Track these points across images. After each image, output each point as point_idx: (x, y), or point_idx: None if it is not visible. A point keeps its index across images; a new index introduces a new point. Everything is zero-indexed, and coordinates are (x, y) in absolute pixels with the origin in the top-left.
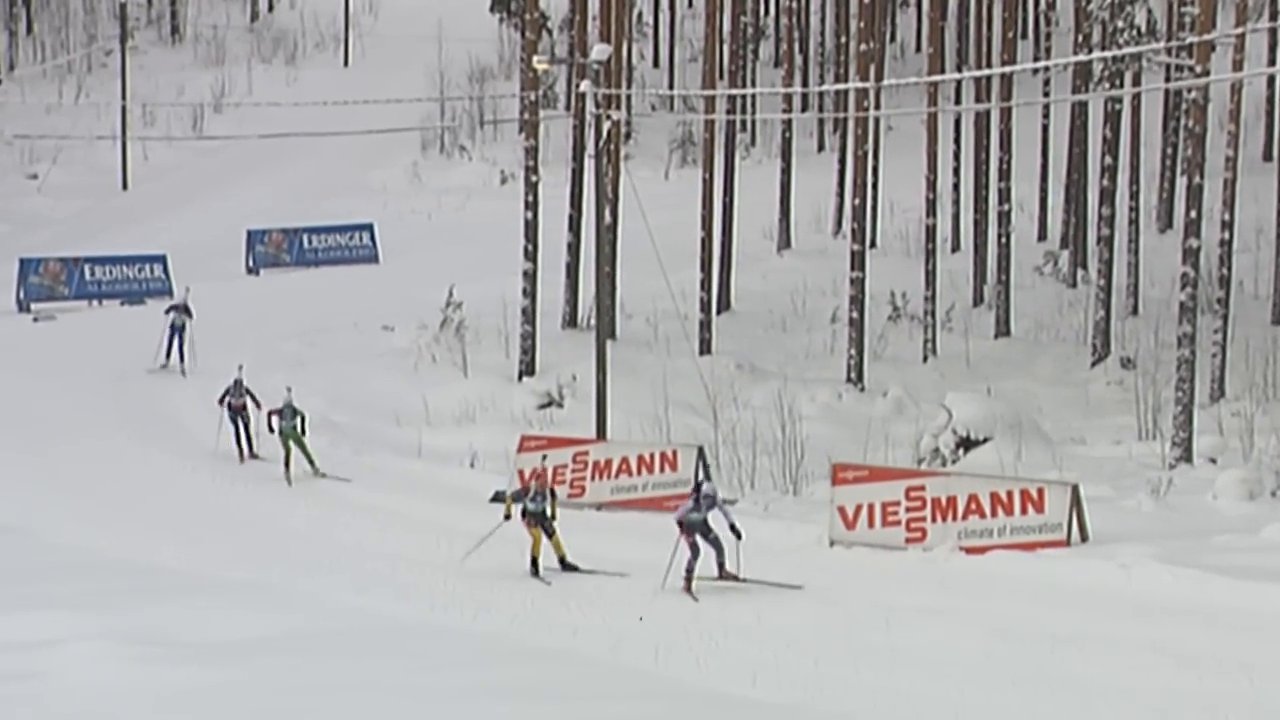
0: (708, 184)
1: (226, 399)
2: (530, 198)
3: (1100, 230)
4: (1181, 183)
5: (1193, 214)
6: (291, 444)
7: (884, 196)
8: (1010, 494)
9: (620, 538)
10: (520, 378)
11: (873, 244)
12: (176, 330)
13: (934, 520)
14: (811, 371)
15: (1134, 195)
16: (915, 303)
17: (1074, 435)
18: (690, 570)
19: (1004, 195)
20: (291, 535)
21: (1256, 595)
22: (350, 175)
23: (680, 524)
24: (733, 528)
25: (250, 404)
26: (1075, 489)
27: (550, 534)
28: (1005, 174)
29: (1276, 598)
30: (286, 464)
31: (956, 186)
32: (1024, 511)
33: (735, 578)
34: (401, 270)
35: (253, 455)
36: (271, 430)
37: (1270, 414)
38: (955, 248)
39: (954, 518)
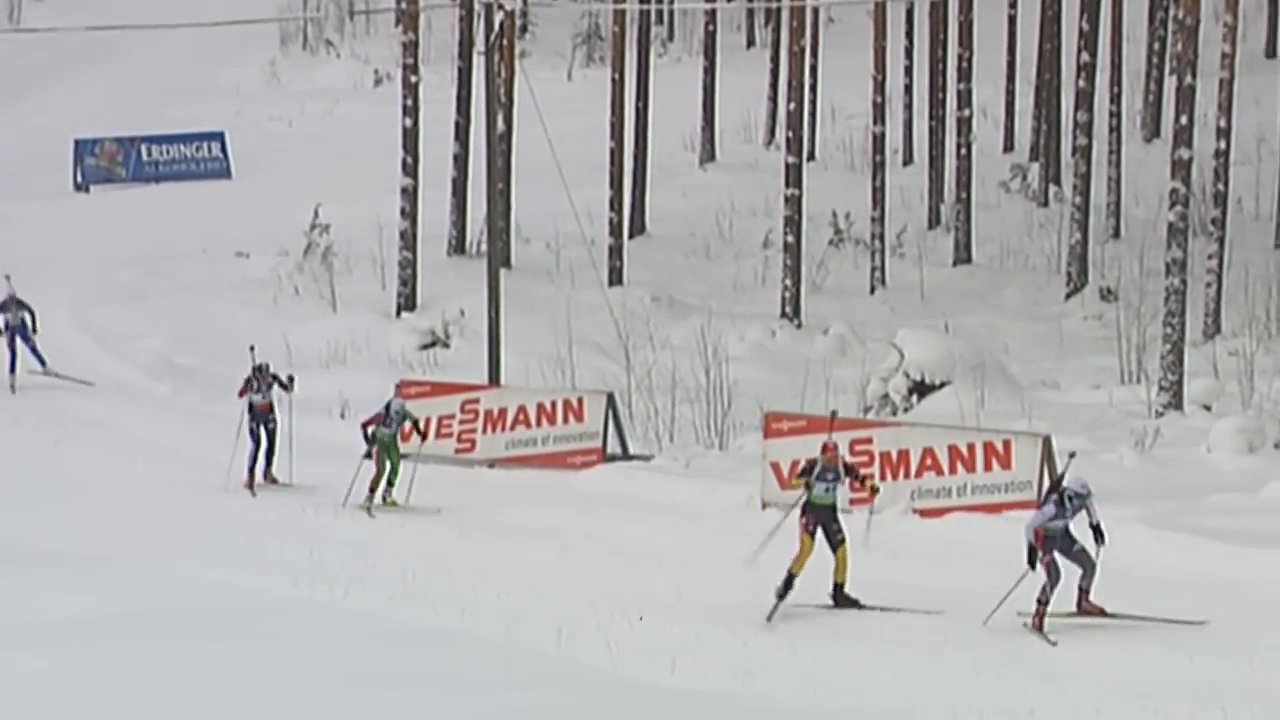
0: (617, 86)
1: (247, 396)
2: (409, 102)
3: (1076, 139)
4: (1170, 84)
5: (1183, 120)
6: (387, 460)
7: (824, 101)
8: (972, 447)
9: (517, 500)
10: (399, 313)
11: (811, 156)
12: (14, 331)
13: (884, 478)
14: (740, 305)
15: (1115, 99)
16: (861, 225)
17: (1046, 378)
18: (1045, 601)
19: (964, 99)
20: (130, 499)
21: (1257, 564)
22: (197, 75)
23: (1036, 539)
24: (1096, 529)
25: (275, 397)
26: (1047, 441)
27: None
28: (965, 74)
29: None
30: (374, 487)
31: (909, 89)
32: (988, 467)
33: (1102, 612)
34: (258, 187)
35: (269, 480)
36: (369, 444)
37: (1272, 353)
38: (907, 160)
39: (907, 475)
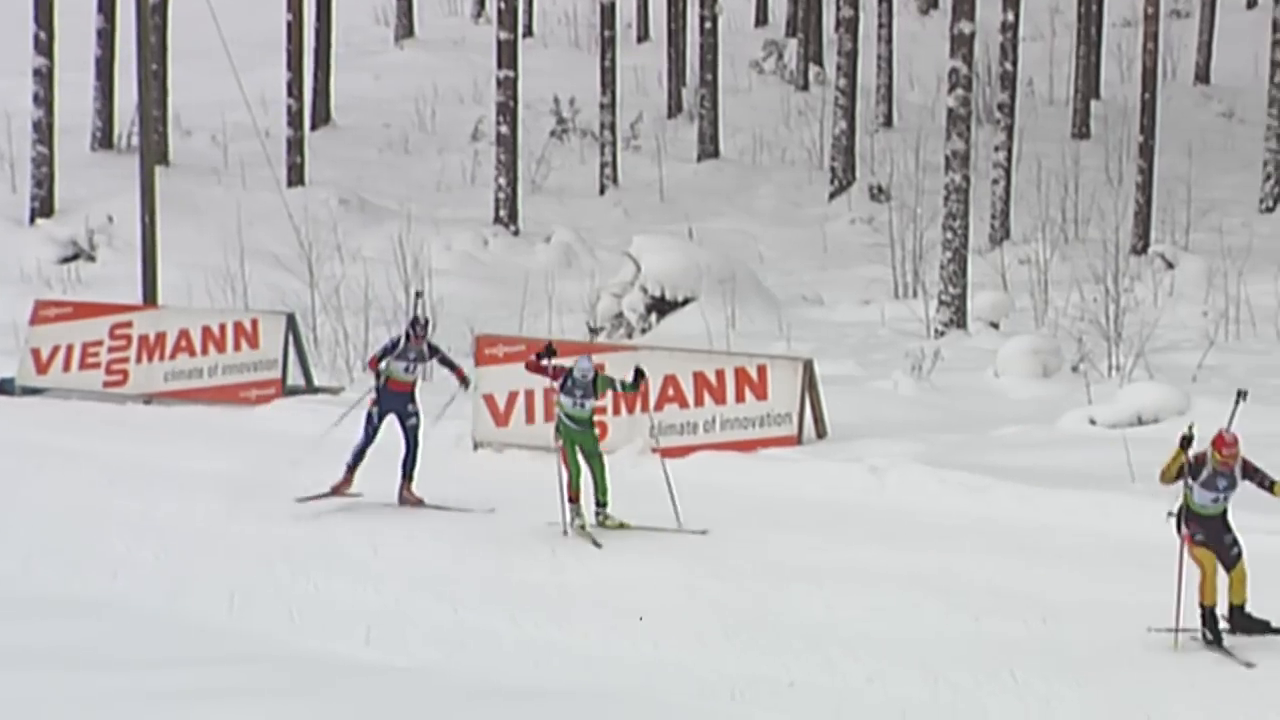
0: None
1: (383, 364)
2: None
3: (840, 11)
4: None
5: None
6: (579, 456)
7: None
8: (721, 374)
9: (178, 441)
10: (33, 219)
11: (528, 31)
12: None
13: (618, 414)
14: (446, 209)
15: None
16: (588, 113)
17: (808, 293)
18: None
19: None
20: None
21: (1051, 506)
22: None
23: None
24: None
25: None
26: (809, 366)
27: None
28: None
29: (1080, 510)
30: (575, 497)
31: None
32: (740, 398)
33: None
34: None
35: (410, 498)
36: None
37: (1070, 260)
38: (642, 37)
39: (645, 407)
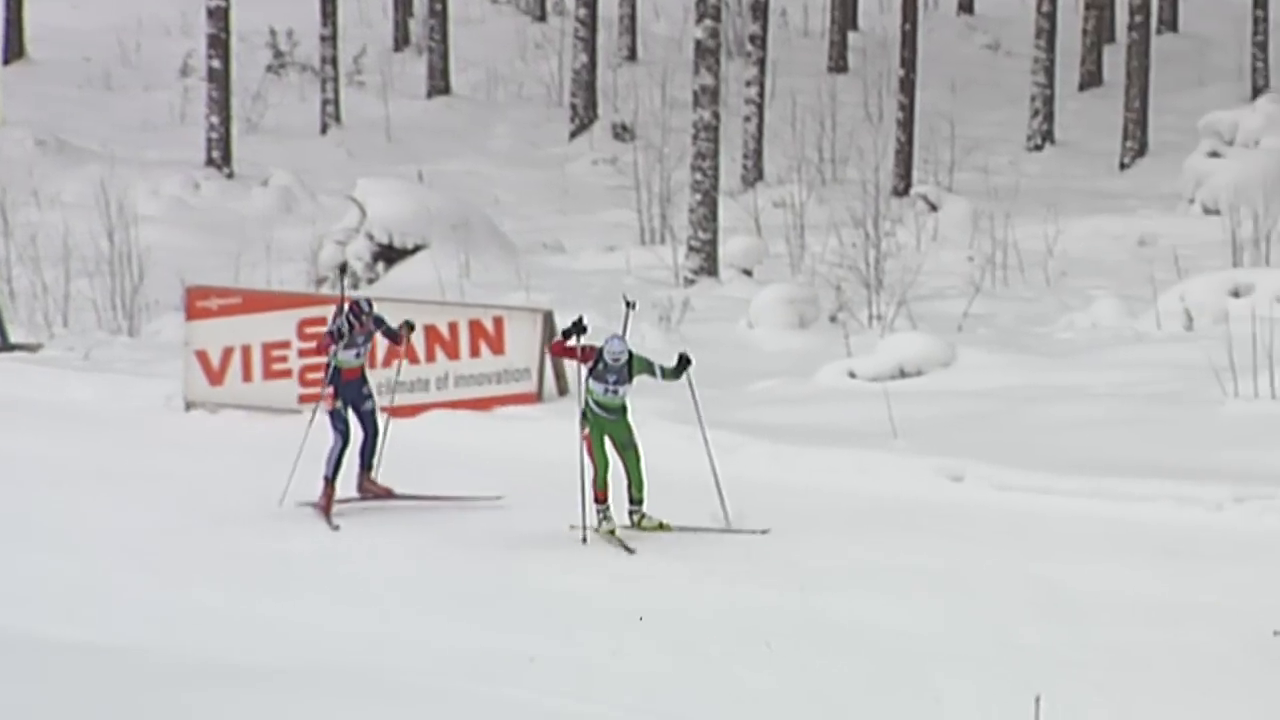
0: None
1: (333, 365)
2: None
3: None
4: None
5: None
6: (610, 444)
7: None
8: (454, 327)
9: None
10: None
11: None
12: None
13: None
14: (153, 150)
15: None
16: (308, 46)
17: (547, 239)
18: None
19: None
20: None
21: (808, 465)
22: None
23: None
24: None
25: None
26: (549, 318)
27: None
28: None
29: (839, 468)
30: (601, 492)
31: None
32: (475, 353)
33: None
34: None
35: (370, 489)
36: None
37: (827, 202)
38: None
39: (371, 364)
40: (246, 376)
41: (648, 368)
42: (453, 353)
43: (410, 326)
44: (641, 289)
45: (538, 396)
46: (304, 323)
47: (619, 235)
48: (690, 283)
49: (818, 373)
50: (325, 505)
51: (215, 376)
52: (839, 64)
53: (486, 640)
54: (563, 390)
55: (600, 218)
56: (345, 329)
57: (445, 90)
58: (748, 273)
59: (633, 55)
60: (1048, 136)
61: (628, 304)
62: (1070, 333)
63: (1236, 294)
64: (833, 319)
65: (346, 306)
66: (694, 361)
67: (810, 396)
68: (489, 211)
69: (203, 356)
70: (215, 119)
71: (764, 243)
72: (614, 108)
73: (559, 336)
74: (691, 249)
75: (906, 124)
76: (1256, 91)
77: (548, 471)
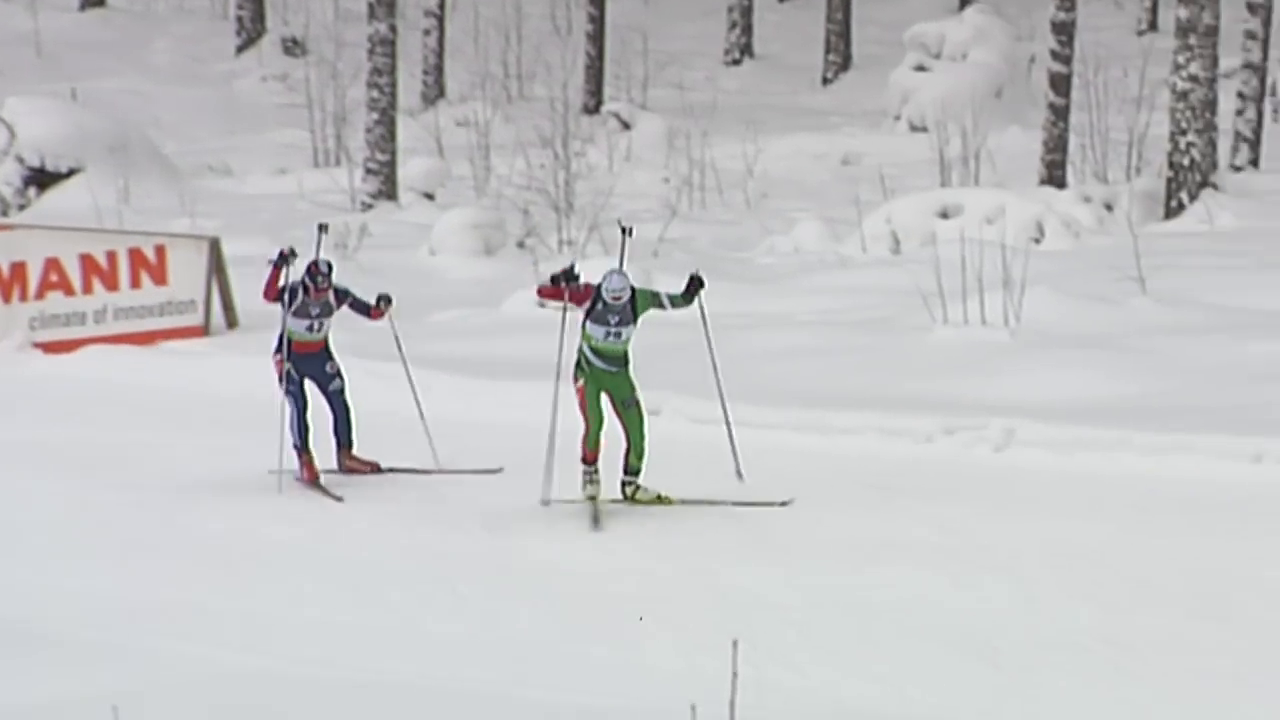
0: None
1: (286, 334)
2: None
3: None
4: None
5: None
6: (607, 402)
7: None
8: (113, 256)
9: None
10: None
11: None
12: None
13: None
14: None
15: None
16: None
17: (214, 162)
18: None
19: None
20: None
21: (497, 400)
22: None
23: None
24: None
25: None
26: (215, 246)
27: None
28: None
29: (530, 403)
30: (592, 458)
31: None
32: (135, 283)
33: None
34: None
35: (358, 465)
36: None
37: (514, 121)
38: None
39: (24, 297)
40: None
41: (654, 301)
42: (111, 284)
43: (388, 300)
44: (315, 214)
45: (204, 330)
46: None
47: (291, 157)
48: (368, 207)
49: (505, 302)
50: (310, 477)
51: None
52: None
53: (152, 589)
54: (231, 323)
55: (270, 139)
56: (299, 291)
57: (100, 2)
58: (429, 196)
59: None
60: (746, 50)
61: (624, 230)
62: (772, 257)
63: (945, 215)
64: (520, 245)
65: (305, 268)
66: (706, 283)
67: (497, 327)
68: (150, 133)
69: None
70: None
71: (446, 164)
72: (284, 20)
73: (546, 283)
74: (369, 171)
75: (596, 37)
76: (964, 2)
77: (216, 409)
